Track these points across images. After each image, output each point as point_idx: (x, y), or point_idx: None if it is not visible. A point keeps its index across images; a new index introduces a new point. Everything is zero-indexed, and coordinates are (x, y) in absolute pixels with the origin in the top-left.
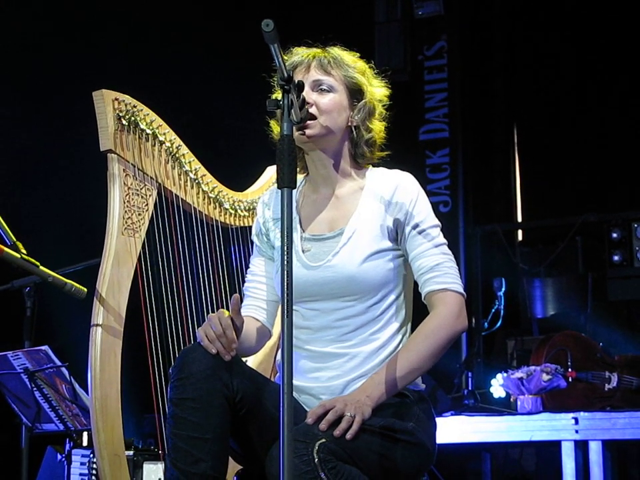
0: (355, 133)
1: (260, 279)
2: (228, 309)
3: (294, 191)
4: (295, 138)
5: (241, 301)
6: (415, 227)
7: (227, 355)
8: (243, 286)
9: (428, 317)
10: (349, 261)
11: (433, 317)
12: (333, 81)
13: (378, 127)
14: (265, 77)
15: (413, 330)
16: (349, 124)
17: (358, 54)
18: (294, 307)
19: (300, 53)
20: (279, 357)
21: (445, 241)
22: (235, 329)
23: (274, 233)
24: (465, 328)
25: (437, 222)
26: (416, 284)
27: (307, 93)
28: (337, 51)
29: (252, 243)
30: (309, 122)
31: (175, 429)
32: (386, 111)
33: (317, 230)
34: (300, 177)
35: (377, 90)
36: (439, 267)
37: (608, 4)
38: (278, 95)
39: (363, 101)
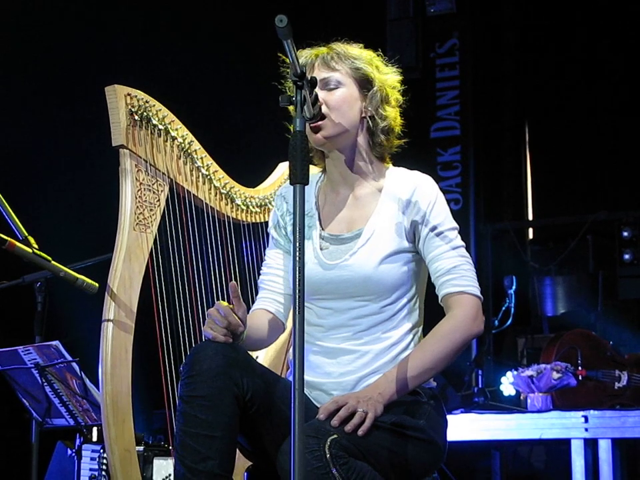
0: (370, 122)
1: (276, 272)
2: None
3: (314, 187)
4: (312, 140)
5: (256, 292)
6: (433, 229)
7: (238, 340)
8: (254, 281)
9: (444, 318)
10: (366, 261)
11: (449, 318)
12: (339, 75)
13: (392, 114)
14: (278, 84)
15: (425, 331)
16: (363, 115)
17: (362, 44)
18: (308, 305)
19: (304, 54)
20: (290, 352)
21: (462, 243)
22: (238, 316)
23: (291, 227)
24: (480, 331)
25: (454, 225)
26: (431, 286)
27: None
28: (340, 46)
29: (267, 235)
30: (320, 122)
31: (183, 426)
32: (401, 96)
33: (335, 229)
34: (318, 172)
35: (388, 76)
36: (456, 270)
37: (620, 0)
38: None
39: (373, 89)
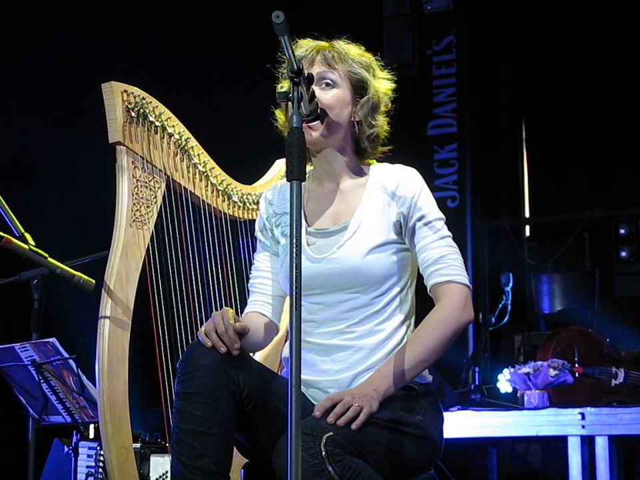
0: (357, 128)
1: (265, 275)
2: (235, 303)
3: None
4: (306, 139)
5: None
6: (420, 219)
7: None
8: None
9: (434, 309)
10: (354, 253)
11: (438, 309)
12: (337, 75)
13: (381, 122)
14: (272, 68)
15: (417, 323)
16: (352, 119)
17: (364, 47)
18: None
19: (305, 47)
20: (284, 351)
21: (449, 233)
22: (239, 333)
23: (278, 228)
24: (470, 319)
25: (441, 215)
26: (421, 277)
27: None
28: (342, 45)
29: (256, 238)
30: (312, 124)
31: (180, 423)
32: (391, 104)
33: (321, 224)
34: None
35: (382, 84)
36: (443, 259)
37: None
38: (284, 83)
39: (366, 96)
